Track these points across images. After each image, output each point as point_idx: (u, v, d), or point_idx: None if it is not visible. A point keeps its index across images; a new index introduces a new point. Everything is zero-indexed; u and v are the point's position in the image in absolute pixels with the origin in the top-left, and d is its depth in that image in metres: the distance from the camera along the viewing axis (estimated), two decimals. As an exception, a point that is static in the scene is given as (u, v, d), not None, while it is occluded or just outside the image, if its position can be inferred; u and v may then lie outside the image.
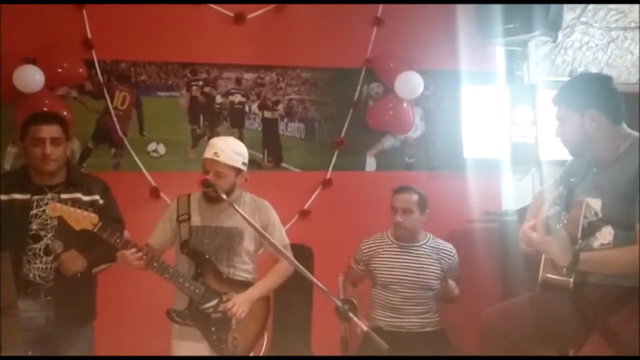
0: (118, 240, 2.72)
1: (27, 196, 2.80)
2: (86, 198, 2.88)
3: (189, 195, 2.99)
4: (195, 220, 2.90)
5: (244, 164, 2.90)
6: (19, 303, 2.66)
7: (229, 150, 2.84)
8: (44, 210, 2.78)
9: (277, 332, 3.70)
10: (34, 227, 2.78)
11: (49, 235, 2.79)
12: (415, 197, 3.35)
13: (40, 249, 2.78)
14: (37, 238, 2.78)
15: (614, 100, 2.32)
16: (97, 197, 2.92)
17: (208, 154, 2.84)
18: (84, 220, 2.67)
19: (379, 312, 3.36)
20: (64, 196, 2.81)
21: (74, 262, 2.76)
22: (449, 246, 3.43)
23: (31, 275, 2.76)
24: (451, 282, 3.34)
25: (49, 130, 2.81)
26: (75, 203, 2.78)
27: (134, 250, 2.71)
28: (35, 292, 2.76)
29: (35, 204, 2.80)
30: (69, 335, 2.81)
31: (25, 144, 2.85)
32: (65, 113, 3.74)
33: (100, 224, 2.69)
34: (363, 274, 3.46)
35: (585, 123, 2.29)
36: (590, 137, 2.30)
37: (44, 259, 2.78)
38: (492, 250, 4.12)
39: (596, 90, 2.33)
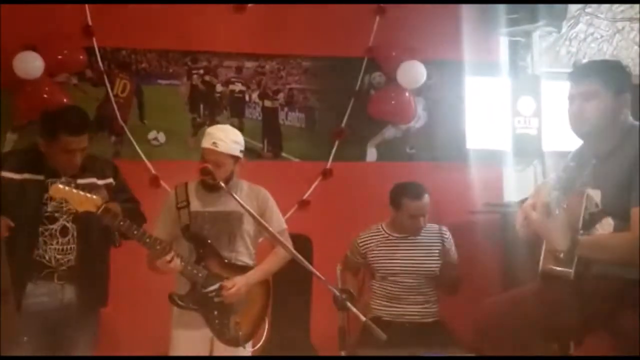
0: (121, 223, 2.71)
1: (40, 177, 2.77)
2: (101, 182, 2.87)
3: (186, 184, 2.99)
4: (195, 205, 2.91)
5: (241, 151, 2.91)
6: (31, 287, 2.70)
7: (228, 139, 2.85)
8: None
9: (277, 321, 3.70)
10: (49, 209, 2.75)
11: (64, 216, 2.77)
12: (427, 197, 3.32)
13: (56, 230, 2.76)
14: (53, 219, 2.76)
15: (635, 92, 2.31)
16: (110, 179, 2.91)
17: (206, 143, 2.84)
18: (87, 202, 2.66)
19: (379, 302, 3.35)
20: (80, 181, 2.79)
21: (115, 210, 2.74)
22: (441, 228, 3.40)
23: (47, 257, 2.75)
24: (453, 273, 3.29)
25: (80, 142, 2.76)
26: (92, 188, 2.77)
27: (172, 253, 2.73)
28: (48, 276, 2.75)
29: (50, 186, 2.74)
30: (81, 320, 2.80)
31: (49, 143, 2.75)
32: (64, 100, 3.74)
33: (103, 206, 2.67)
34: (360, 264, 3.44)
35: (617, 105, 2.26)
36: (611, 121, 2.25)
37: (60, 239, 2.76)
38: (494, 241, 4.09)
39: (629, 77, 2.33)
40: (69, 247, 2.77)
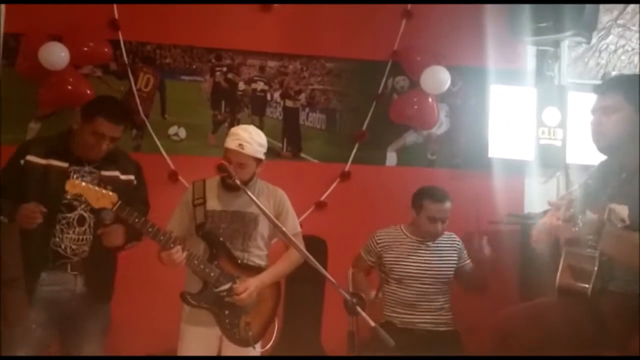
0: (137, 220, 2.71)
1: (64, 164, 2.78)
2: (123, 177, 2.89)
3: (204, 181, 2.98)
4: (212, 204, 2.90)
5: (264, 153, 2.91)
6: (44, 275, 2.70)
7: (254, 142, 2.84)
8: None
9: (289, 322, 3.70)
10: (69, 196, 2.74)
11: (82, 205, 2.77)
12: (450, 203, 3.29)
13: (74, 219, 2.77)
14: (71, 207, 2.76)
15: None
16: (132, 176, 2.93)
17: (232, 144, 2.82)
18: (103, 198, 2.65)
19: (392, 308, 3.31)
20: (103, 173, 2.81)
21: (118, 236, 2.76)
22: (452, 235, 3.39)
23: (62, 246, 2.75)
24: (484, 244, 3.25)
25: (114, 130, 2.78)
26: (114, 181, 2.79)
27: (179, 248, 2.71)
28: (62, 266, 2.75)
29: (72, 174, 2.77)
30: (91, 312, 2.81)
31: (84, 125, 2.78)
32: (88, 91, 3.76)
33: (119, 202, 2.67)
34: (372, 266, 3.41)
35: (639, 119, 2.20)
36: (635, 136, 2.21)
37: (77, 229, 2.77)
38: (513, 253, 4.02)
39: None
40: (84, 237, 2.78)
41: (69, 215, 2.76)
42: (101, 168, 2.82)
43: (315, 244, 3.70)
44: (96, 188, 2.66)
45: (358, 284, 3.28)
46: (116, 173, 2.86)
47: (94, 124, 2.75)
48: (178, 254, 2.72)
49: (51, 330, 2.76)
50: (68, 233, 2.76)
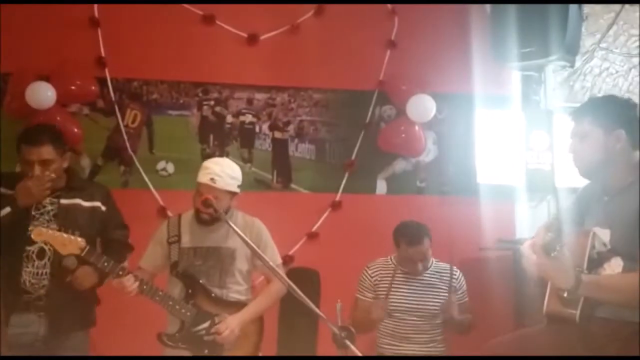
0: (106, 264, 2.68)
1: None
2: (86, 204, 2.85)
3: (179, 216, 2.96)
4: (186, 241, 2.87)
5: (238, 186, 2.87)
6: (13, 318, 2.66)
7: (225, 175, 2.81)
8: (41, 214, 2.75)
9: (283, 355, 3.64)
10: (31, 227, 2.71)
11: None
12: (428, 240, 3.22)
13: (33, 252, 2.73)
14: (32, 241, 2.71)
15: (637, 126, 2.26)
16: (98, 203, 2.89)
17: (203, 178, 2.80)
18: (70, 244, 2.63)
19: (385, 340, 3.27)
20: (63, 201, 2.79)
21: (88, 278, 2.73)
22: (453, 268, 3.30)
23: (21, 280, 2.70)
24: (455, 313, 3.17)
25: (38, 153, 2.74)
26: (75, 209, 2.76)
27: (130, 277, 2.68)
28: (24, 306, 2.70)
29: (34, 206, 2.76)
30: (61, 347, 2.75)
31: (18, 160, 2.82)
32: (75, 130, 3.77)
33: (87, 247, 2.65)
34: (371, 303, 3.34)
35: (610, 142, 2.23)
36: (609, 159, 2.23)
37: (36, 262, 2.72)
38: (505, 279, 4.00)
39: (624, 112, 2.28)
40: (44, 271, 2.72)
41: (29, 248, 2.72)
42: (60, 197, 2.80)
43: (308, 275, 3.68)
44: (64, 235, 2.63)
45: (363, 322, 3.12)
46: (77, 201, 2.82)
47: (21, 154, 2.77)
48: (129, 282, 2.68)
49: None
50: (27, 267, 2.71)
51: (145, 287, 2.73)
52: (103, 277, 2.80)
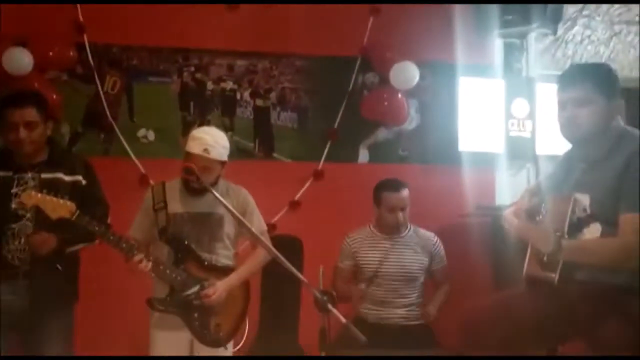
0: (97, 228, 2.67)
1: (9, 173, 2.75)
2: (68, 178, 2.81)
3: (163, 183, 2.95)
4: (174, 207, 2.87)
5: (228, 155, 2.89)
6: (3, 286, 2.66)
7: (218, 145, 2.81)
8: (24, 189, 2.71)
9: (265, 321, 3.68)
10: (13, 205, 2.71)
11: (27, 215, 2.72)
12: (407, 191, 3.33)
13: (18, 230, 2.72)
14: (17, 218, 2.72)
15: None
16: (79, 177, 2.85)
17: (196, 149, 2.78)
18: (61, 208, 2.61)
19: (364, 304, 3.31)
20: (44, 175, 2.76)
21: (45, 242, 2.69)
22: (430, 235, 3.43)
23: (9, 257, 2.71)
24: (431, 309, 3.30)
25: (22, 114, 2.72)
26: (56, 183, 2.73)
27: (141, 257, 2.69)
28: (13, 275, 2.71)
29: (16, 182, 2.74)
30: (47, 319, 2.76)
31: (1, 127, 2.77)
32: (54, 96, 3.70)
33: (78, 212, 2.63)
34: (353, 270, 3.40)
35: (611, 111, 2.22)
36: (607, 128, 2.22)
37: (22, 239, 2.72)
38: (484, 244, 4.05)
39: (620, 83, 2.29)
40: (28, 247, 2.71)
41: (13, 226, 2.72)
42: (41, 171, 2.77)
43: (290, 243, 3.70)
44: (53, 199, 2.61)
45: (344, 292, 3.24)
46: (58, 175, 2.79)
47: (4, 118, 2.73)
48: (143, 263, 2.70)
49: (11, 339, 2.72)
50: (13, 244, 2.71)
51: (124, 245, 2.70)
52: (66, 243, 2.77)
